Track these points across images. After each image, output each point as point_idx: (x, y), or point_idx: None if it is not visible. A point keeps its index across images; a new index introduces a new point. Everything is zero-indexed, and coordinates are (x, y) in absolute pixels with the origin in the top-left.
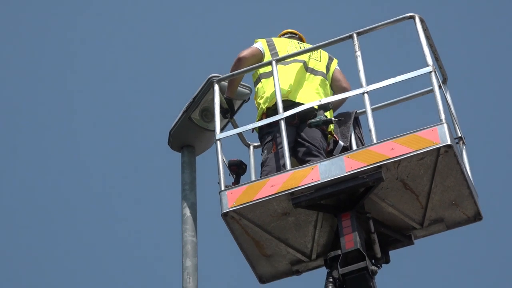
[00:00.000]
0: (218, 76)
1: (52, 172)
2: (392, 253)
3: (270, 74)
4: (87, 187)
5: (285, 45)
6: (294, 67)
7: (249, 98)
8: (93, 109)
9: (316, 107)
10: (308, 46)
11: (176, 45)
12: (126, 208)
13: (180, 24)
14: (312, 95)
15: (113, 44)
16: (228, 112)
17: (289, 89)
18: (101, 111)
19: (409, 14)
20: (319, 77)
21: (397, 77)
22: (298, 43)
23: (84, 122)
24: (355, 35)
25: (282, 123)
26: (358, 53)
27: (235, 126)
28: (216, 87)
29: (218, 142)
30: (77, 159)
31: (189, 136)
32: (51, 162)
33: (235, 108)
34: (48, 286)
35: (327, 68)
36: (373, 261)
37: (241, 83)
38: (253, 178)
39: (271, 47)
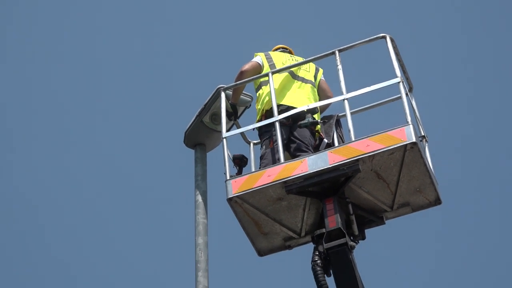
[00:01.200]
0: (224, 86)
1: (90, 161)
2: (367, 231)
3: (267, 80)
4: (118, 177)
5: (280, 58)
6: (283, 76)
7: (250, 105)
8: (121, 117)
9: (306, 111)
10: (297, 58)
11: (189, 61)
12: (149, 196)
13: (193, 45)
14: (303, 100)
15: (139, 61)
16: (233, 115)
17: (277, 95)
18: (127, 118)
19: (381, 35)
20: (309, 85)
21: (371, 86)
22: (291, 56)
23: (114, 127)
24: (337, 52)
25: (277, 124)
26: (340, 67)
27: (238, 126)
28: (223, 95)
29: (225, 139)
30: (111, 155)
31: (201, 136)
32: (90, 155)
33: (239, 112)
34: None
35: (315, 77)
36: (351, 237)
37: (244, 92)
38: (253, 170)
39: (269, 59)
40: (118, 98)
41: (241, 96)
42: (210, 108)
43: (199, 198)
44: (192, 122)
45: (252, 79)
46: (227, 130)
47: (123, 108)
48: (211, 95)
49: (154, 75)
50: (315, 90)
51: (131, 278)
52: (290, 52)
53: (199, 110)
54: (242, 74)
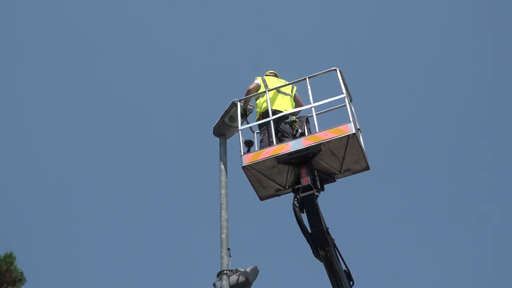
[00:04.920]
0: (237, 100)
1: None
2: (325, 186)
3: (263, 95)
4: (173, 156)
5: (271, 81)
6: (273, 92)
7: (252, 110)
8: (179, 119)
9: (289, 114)
10: (281, 80)
11: (218, 83)
12: (193, 166)
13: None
14: (286, 106)
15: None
16: (244, 116)
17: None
18: (183, 119)
19: (334, 68)
20: (288, 97)
21: (328, 99)
22: (277, 80)
23: (173, 126)
24: (307, 78)
25: (271, 122)
26: (309, 87)
27: (248, 122)
28: (239, 104)
29: (240, 131)
30: (169, 145)
31: (223, 129)
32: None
33: (247, 114)
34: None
35: (291, 91)
36: (316, 190)
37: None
38: (256, 149)
39: (264, 81)
40: (178, 108)
41: (248, 106)
42: (228, 113)
43: (222, 166)
44: (218, 121)
45: (256, 94)
46: (241, 125)
47: (181, 113)
48: (229, 105)
49: (199, 93)
50: (292, 100)
51: (179, 214)
52: (276, 75)
53: (221, 114)
54: (249, 91)
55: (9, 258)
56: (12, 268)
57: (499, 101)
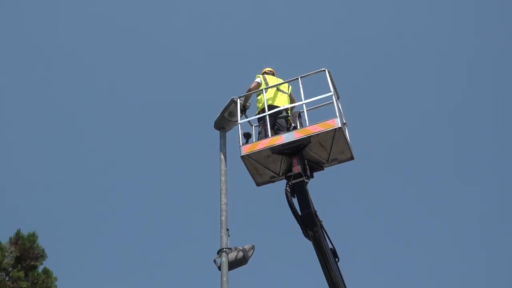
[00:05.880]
0: (236, 97)
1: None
2: (314, 174)
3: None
4: (181, 150)
5: (270, 79)
6: (273, 90)
7: (249, 106)
8: (185, 117)
9: (284, 109)
10: (279, 79)
11: (221, 85)
12: (196, 155)
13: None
14: (283, 103)
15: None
16: (243, 111)
17: (269, 99)
18: (189, 116)
19: (323, 69)
20: (285, 95)
21: (318, 96)
22: (276, 79)
23: (182, 122)
24: (299, 78)
25: (267, 117)
26: (301, 86)
27: (246, 117)
28: (239, 100)
29: (239, 124)
30: (179, 139)
31: (223, 123)
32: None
33: (246, 110)
34: None
35: (288, 90)
36: (306, 177)
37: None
38: (254, 141)
39: (264, 79)
40: (182, 105)
41: (247, 103)
42: (227, 109)
43: (222, 156)
44: (219, 116)
45: (255, 91)
46: (240, 118)
47: (188, 112)
48: (228, 103)
49: (202, 90)
50: (288, 97)
51: (183, 199)
52: (273, 74)
53: (221, 110)
54: (250, 90)
55: (32, 237)
56: (35, 245)
57: (500, 99)
